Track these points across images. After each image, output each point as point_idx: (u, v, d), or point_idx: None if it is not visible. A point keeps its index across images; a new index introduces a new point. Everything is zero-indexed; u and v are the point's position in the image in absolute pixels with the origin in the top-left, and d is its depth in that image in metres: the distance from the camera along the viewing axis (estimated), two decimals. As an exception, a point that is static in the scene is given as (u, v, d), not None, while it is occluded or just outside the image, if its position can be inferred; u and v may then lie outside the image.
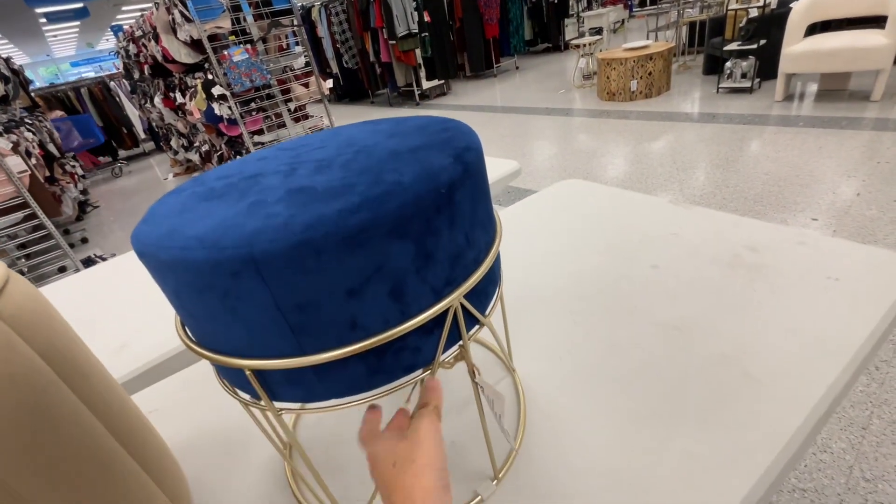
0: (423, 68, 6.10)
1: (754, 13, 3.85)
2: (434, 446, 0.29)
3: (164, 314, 0.92)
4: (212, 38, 3.02)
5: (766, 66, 3.86)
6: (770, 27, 3.64)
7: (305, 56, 3.42)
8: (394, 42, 5.70)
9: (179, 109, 3.91)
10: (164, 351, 0.83)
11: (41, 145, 3.68)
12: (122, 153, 7.23)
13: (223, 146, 3.76)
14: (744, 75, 3.93)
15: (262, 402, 0.36)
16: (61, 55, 14.54)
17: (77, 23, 10.09)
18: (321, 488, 0.43)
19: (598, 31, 6.05)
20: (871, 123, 2.91)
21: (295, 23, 3.27)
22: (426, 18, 5.74)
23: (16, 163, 2.44)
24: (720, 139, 3.17)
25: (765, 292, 0.68)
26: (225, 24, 3.00)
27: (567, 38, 7.44)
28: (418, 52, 5.87)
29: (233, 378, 0.38)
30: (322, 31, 6.71)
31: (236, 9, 3.04)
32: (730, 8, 4.14)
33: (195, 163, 4.87)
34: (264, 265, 0.28)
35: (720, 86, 4.07)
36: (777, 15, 3.66)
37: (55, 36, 11.15)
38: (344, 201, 0.29)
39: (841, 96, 3.45)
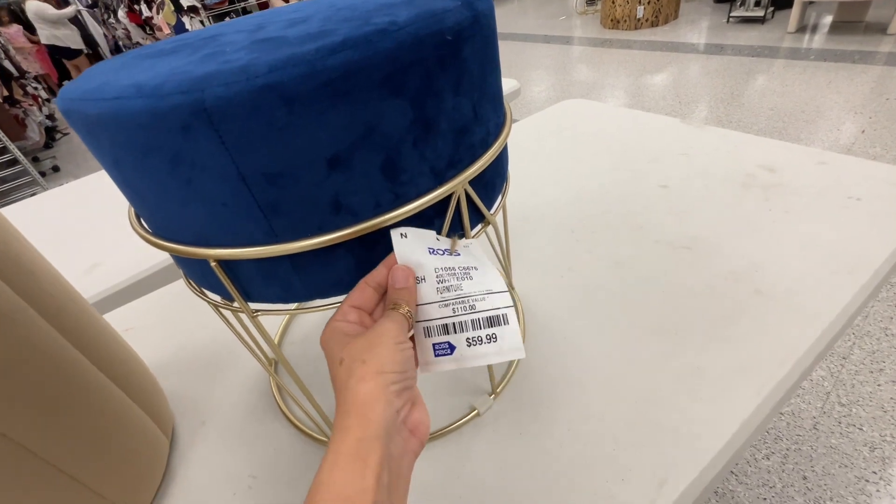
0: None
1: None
2: (389, 350, 0.24)
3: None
4: (176, -63, 2.68)
5: (783, -7, 3.61)
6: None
7: (284, -36, 3.08)
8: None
9: (147, 25, 3.57)
10: (140, 269, 0.78)
11: (-5, 61, 3.36)
12: (89, 76, 6.74)
13: (198, 68, 3.49)
14: (757, 3, 3.68)
15: (235, 303, 0.32)
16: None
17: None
18: (308, 400, 0.40)
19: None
20: (885, 58, 2.78)
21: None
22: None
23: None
24: (727, 72, 3.02)
25: (779, 211, 0.64)
26: (190, -80, 2.65)
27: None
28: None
29: (200, 276, 0.33)
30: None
31: None
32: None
33: (169, 87, 4.56)
34: (220, 117, 0.22)
35: (731, 14, 3.82)
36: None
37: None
38: (322, 41, 0.23)
39: (856, 28, 3.26)
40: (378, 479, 0.21)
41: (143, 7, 3.32)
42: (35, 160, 3.89)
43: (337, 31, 0.24)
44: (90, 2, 5.68)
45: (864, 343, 1.23)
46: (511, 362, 0.50)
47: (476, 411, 0.46)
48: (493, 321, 0.29)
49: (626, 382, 0.46)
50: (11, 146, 2.44)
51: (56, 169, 3.76)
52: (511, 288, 0.58)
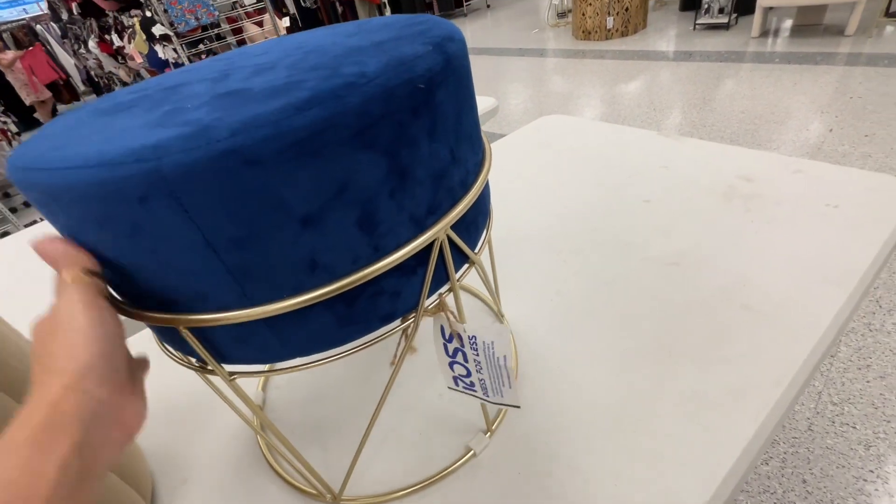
0: (387, 7, 5.68)
1: (734, -59, 3.67)
2: (74, 339, 0.22)
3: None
4: (145, -33, 2.67)
5: (744, 1, 3.74)
6: (750, -44, 3.49)
7: (256, -11, 3.09)
8: (354, -24, 5.24)
9: (119, 54, 3.53)
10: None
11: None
12: (60, 107, 6.61)
13: (173, 95, 3.45)
14: (721, 10, 3.81)
15: (210, 367, 0.30)
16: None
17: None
18: (296, 458, 0.38)
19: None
20: (844, 58, 2.89)
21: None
22: (389, -51, 5.26)
23: (-70, 117, 2.15)
24: (697, 78, 3.10)
25: (761, 222, 0.64)
26: (159, -50, 2.64)
27: (540, -28, 7.02)
28: (382, -13, 5.43)
29: (172, 341, 0.31)
30: (274, -36, 6.09)
31: (171, -68, 2.67)
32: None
33: (144, 116, 4.50)
34: (180, 185, 0.20)
35: (697, 22, 3.94)
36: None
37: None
38: (288, 98, 0.21)
39: (815, 31, 3.39)
40: (63, 468, 0.19)
41: (115, 37, 3.28)
42: (6, 196, 3.79)
43: (304, 83, 0.23)
44: (60, 33, 5.61)
45: (849, 340, 1.25)
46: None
47: (472, 452, 0.44)
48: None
49: (625, 411, 0.45)
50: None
51: (27, 204, 3.66)
52: (501, 316, 0.57)
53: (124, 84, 4.46)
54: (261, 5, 3.19)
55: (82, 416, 0.21)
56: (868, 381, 1.13)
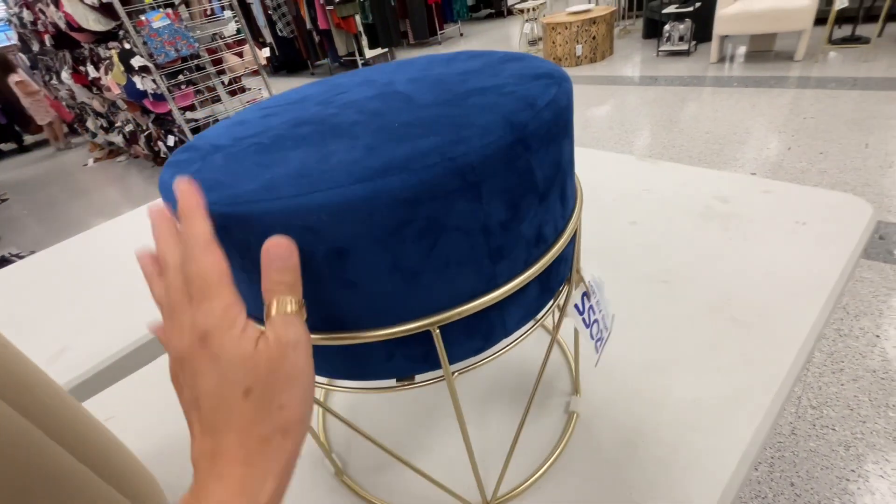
0: (364, 36, 5.82)
1: (690, -24, 3.94)
2: (307, 393, 0.23)
3: (106, 312, 0.82)
4: (124, 1, 2.68)
5: (702, 30, 4.00)
6: (704, -11, 3.76)
7: (236, 21, 3.13)
8: (331, 7, 5.37)
9: (94, 85, 3.50)
10: (113, 352, 0.74)
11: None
12: (27, 138, 6.44)
13: (150, 125, 3.42)
14: (681, 38, 4.06)
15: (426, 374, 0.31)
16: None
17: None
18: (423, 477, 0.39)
19: (541, -5, 5.99)
20: (796, 82, 3.11)
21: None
22: (364, -19, 5.43)
23: None
24: (663, 101, 3.28)
25: (739, 240, 0.69)
26: (138, -16, 2.66)
27: (510, 2, 7.34)
28: (358, 18, 5.57)
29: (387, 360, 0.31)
30: (249, -5, 6.18)
31: (150, -33, 2.71)
32: (667, -30, 4.22)
33: (118, 145, 4.42)
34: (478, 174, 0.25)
35: (660, 49, 4.18)
36: (711, -23, 3.77)
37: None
38: (472, 131, 0.24)
39: (767, 57, 3.65)
40: None
41: (90, 68, 3.26)
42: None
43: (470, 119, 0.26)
44: (29, 64, 5.51)
45: (821, 346, 1.32)
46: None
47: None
48: None
49: (625, 421, 0.48)
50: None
51: (-6, 238, 3.52)
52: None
53: (97, 114, 4.40)
54: (240, 36, 3.23)
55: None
56: (843, 385, 1.20)
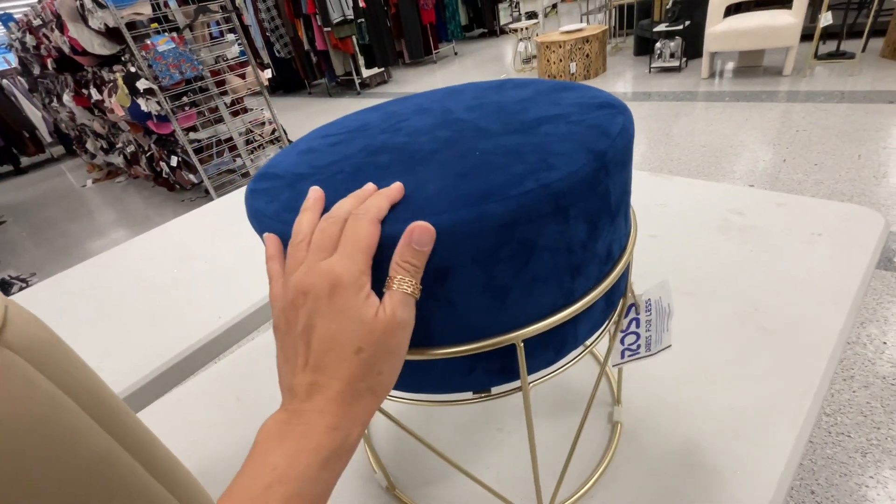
0: (361, 56, 5.92)
1: (679, -5, 4.08)
2: (399, 366, 0.26)
3: (133, 332, 0.83)
4: (130, 25, 2.73)
5: (692, 46, 4.12)
6: (694, 9, 3.88)
7: (240, 44, 3.19)
8: (329, 29, 5.47)
9: (95, 107, 3.52)
10: (145, 373, 0.75)
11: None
12: (24, 160, 6.43)
13: (152, 145, 3.45)
14: (672, 55, 4.17)
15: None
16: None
17: (-51, 13, 8.73)
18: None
19: (533, 14, 6.16)
20: (786, 96, 3.20)
21: (226, 8, 3.03)
22: (361, 4, 5.55)
23: None
24: (658, 116, 3.36)
25: (759, 252, 0.72)
26: (145, 10, 2.71)
27: (503, 22, 7.52)
28: (355, 39, 5.68)
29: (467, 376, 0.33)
30: (249, 18, 6.29)
31: (156, -7, 2.76)
32: (656, -9, 4.36)
33: (118, 166, 4.43)
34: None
35: (651, 65, 4.29)
36: (699, -3, 3.90)
37: (-79, 28, 9.58)
38: (553, 161, 0.26)
39: (756, 72, 3.76)
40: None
41: (93, 91, 3.29)
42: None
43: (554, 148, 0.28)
44: (28, 87, 5.54)
45: (831, 353, 1.34)
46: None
47: None
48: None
49: (676, 432, 0.49)
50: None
51: (-7, 261, 3.49)
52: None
53: (97, 135, 4.41)
54: (244, 58, 3.29)
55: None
56: (854, 392, 1.22)
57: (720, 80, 3.79)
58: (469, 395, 0.34)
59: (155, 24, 2.83)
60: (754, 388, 0.52)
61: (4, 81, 5.86)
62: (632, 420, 0.52)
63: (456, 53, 7.23)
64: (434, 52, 6.91)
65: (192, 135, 3.23)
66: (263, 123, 3.57)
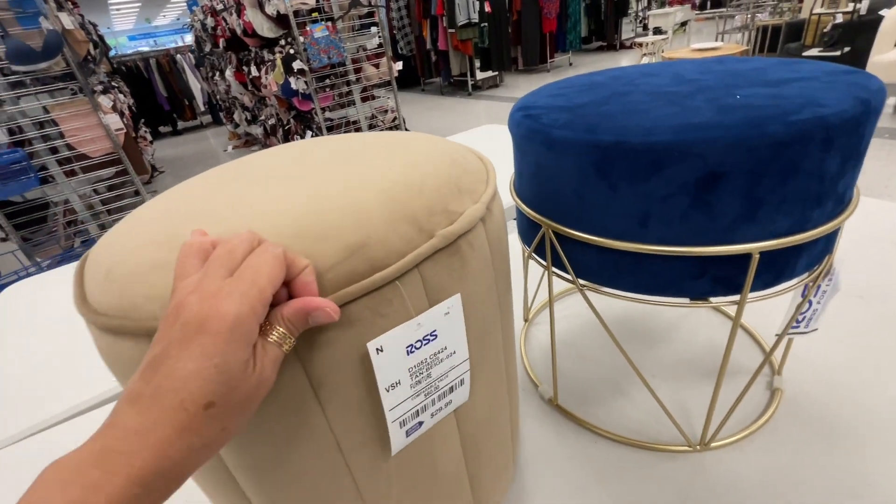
0: (477, 59, 6.12)
1: (840, 18, 3.70)
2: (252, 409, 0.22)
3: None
4: (295, 13, 3.13)
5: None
6: (856, 34, 3.51)
7: (380, 37, 3.50)
8: (453, 30, 5.73)
9: (251, 83, 4.06)
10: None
11: (129, 107, 3.89)
12: (180, 124, 7.54)
13: (291, 120, 3.89)
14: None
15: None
16: (120, 28, 15.14)
17: (142, -2, 10.50)
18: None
19: (660, 30, 5.93)
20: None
21: (376, 2, 3.34)
22: (487, 8, 5.75)
23: (113, 121, 2.60)
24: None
25: (941, 270, 0.69)
26: (309, 0, 3.09)
27: (625, 36, 7.32)
28: (475, 41, 5.89)
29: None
30: (379, 16, 6.80)
31: (320, -14, 3.13)
32: (813, 12, 4.00)
33: (256, 136, 5.05)
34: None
35: (793, 92, 3.94)
36: (866, 21, 3.51)
37: (118, 10, 11.62)
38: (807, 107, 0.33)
39: None
40: None
41: (253, 68, 3.79)
42: (136, 194, 4.35)
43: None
44: (194, 62, 6.51)
45: None
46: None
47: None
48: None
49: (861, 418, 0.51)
50: (136, 180, 2.79)
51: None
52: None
53: (244, 108, 5.07)
54: (381, 50, 3.59)
55: None
56: None
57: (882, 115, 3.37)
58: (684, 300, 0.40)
59: (315, 13, 3.21)
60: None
61: (178, 56, 6.94)
62: (792, 390, 0.54)
63: (571, 64, 7.18)
64: (549, 60, 6.92)
65: (327, 113, 3.60)
66: (387, 111, 3.87)
